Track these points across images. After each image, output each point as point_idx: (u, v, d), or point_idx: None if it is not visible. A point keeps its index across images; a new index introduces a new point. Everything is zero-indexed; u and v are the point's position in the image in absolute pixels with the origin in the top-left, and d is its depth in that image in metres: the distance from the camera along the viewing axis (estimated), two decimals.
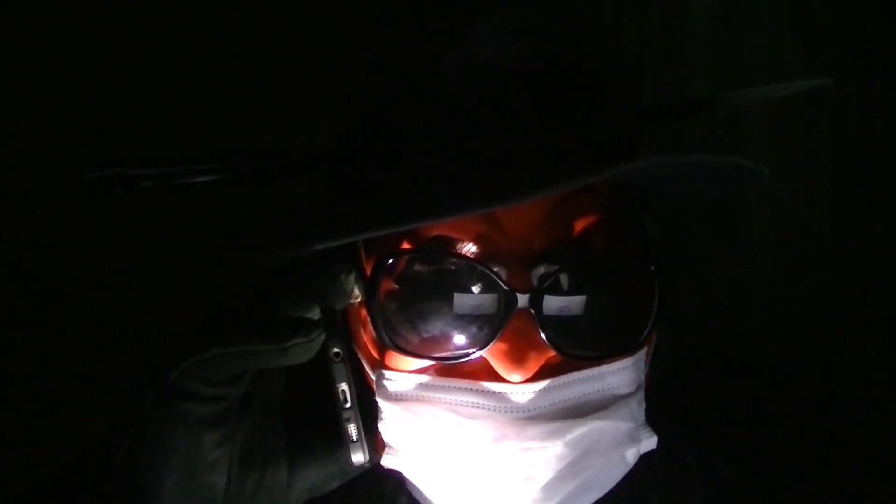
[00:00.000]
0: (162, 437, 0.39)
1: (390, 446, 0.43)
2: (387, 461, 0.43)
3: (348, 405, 0.42)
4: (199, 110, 0.91)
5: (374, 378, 0.43)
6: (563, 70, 0.42)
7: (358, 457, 0.42)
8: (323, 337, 0.40)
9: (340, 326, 0.42)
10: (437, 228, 0.40)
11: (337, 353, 0.41)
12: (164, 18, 0.93)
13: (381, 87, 0.43)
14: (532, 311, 0.39)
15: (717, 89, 0.52)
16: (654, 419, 0.44)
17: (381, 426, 0.43)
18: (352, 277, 0.41)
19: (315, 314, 0.41)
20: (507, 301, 0.39)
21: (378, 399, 0.43)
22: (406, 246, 0.41)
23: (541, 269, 0.39)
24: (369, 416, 0.43)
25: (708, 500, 0.48)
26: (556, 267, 0.39)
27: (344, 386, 0.41)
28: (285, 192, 0.47)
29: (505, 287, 0.39)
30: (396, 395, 0.42)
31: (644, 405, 0.43)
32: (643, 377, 0.43)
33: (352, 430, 0.42)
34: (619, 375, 0.41)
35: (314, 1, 0.95)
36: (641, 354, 0.42)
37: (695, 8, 0.99)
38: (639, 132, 0.46)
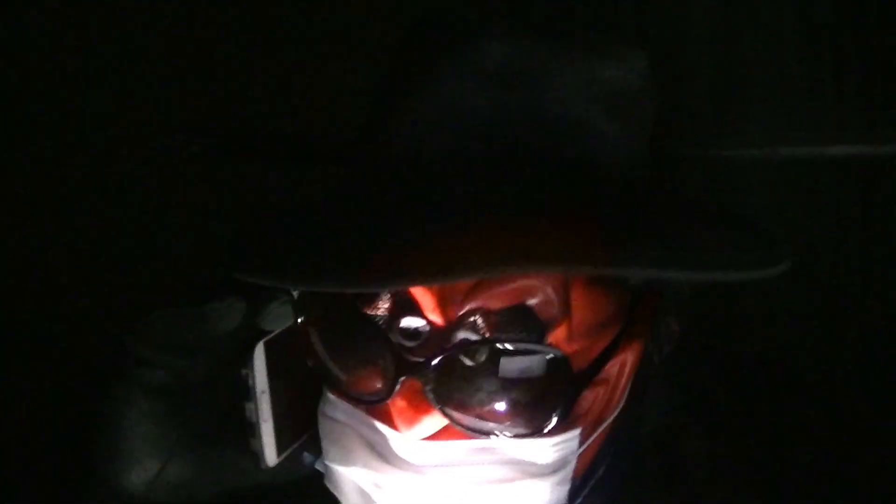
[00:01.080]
0: (114, 398, 0.42)
1: (321, 456, 0.44)
2: (318, 465, 0.45)
3: (252, 421, 0.43)
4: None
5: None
6: (529, 127, 0.39)
7: (260, 464, 0.44)
8: (242, 304, 0.42)
9: (253, 351, 0.43)
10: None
11: (245, 374, 0.43)
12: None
13: (368, 114, 0.43)
14: (421, 381, 0.38)
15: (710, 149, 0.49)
16: (624, 497, 0.45)
17: (320, 436, 0.44)
18: (288, 306, 0.43)
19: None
20: (398, 367, 0.38)
21: (318, 412, 0.44)
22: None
23: (451, 338, 0.39)
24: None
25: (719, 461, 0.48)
26: (464, 341, 0.38)
27: (250, 404, 0.43)
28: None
29: (399, 358, 0.39)
30: (329, 415, 0.44)
31: (567, 486, 0.42)
32: (573, 458, 0.42)
33: (253, 443, 0.43)
34: (530, 453, 0.40)
35: None
36: (571, 436, 0.41)
37: (695, 8, 0.99)
38: (629, 210, 0.40)
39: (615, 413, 0.44)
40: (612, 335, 0.43)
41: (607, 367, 0.43)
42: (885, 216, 0.98)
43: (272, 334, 0.43)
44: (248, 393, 0.43)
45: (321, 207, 0.42)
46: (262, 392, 0.43)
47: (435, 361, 0.38)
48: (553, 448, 0.40)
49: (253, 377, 0.43)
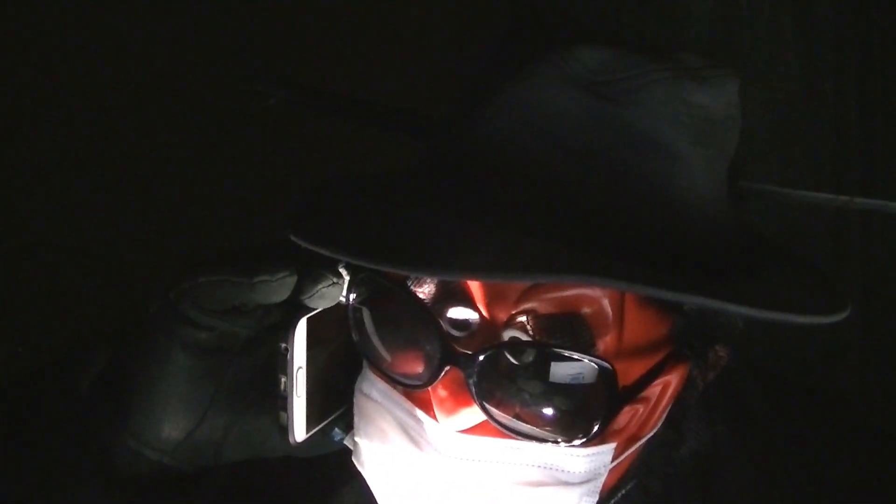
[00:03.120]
0: (155, 351, 0.41)
1: (351, 433, 0.45)
2: (347, 441, 0.46)
3: (284, 395, 0.43)
4: None
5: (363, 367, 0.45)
6: (614, 143, 0.39)
7: (291, 438, 0.44)
8: (293, 279, 0.41)
9: (295, 326, 0.43)
10: None
11: (284, 347, 0.43)
12: None
13: (459, 101, 0.44)
14: (463, 373, 0.38)
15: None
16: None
17: (352, 411, 0.45)
18: (337, 287, 0.42)
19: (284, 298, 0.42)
20: (444, 356, 0.39)
21: (355, 388, 0.45)
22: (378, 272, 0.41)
23: (500, 336, 0.39)
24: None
25: (742, 464, 0.48)
26: (512, 340, 0.39)
27: (283, 378, 0.43)
28: None
29: (446, 346, 0.39)
30: (366, 393, 0.44)
31: (594, 498, 0.42)
32: (604, 471, 0.41)
33: (282, 416, 0.43)
34: (563, 460, 0.40)
35: None
36: (605, 449, 0.41)
37: (695, 8, 0.99)
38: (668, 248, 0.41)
39: (651, 433, 0.44)
40: (659, 356, 0.42)
41: (650, 386, 0.42)
42: (885, 216, 0.98)
43: (315, 311, 0.43)
44: (285, 367, 0.43)
45: (396, 183, 0.43)
46: (299, 368, 0.43)
47: (482, 356, 0.38)
48: (586, 459, 0.40)
49: (291, 352, 0.42)
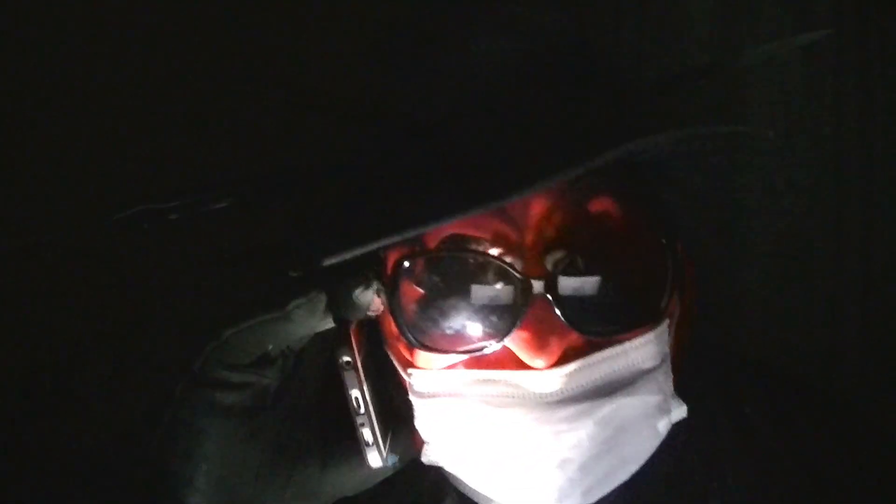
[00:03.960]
0: (194, 424, 0.40)
1: (427, 442, 0.44)
2: (426, 457, 0.44)
3: (361, 411, 0.42)
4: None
5: (406, 378, 0.44)
6: (557, 63, 0.43)
7: (374, 460, 0.43)
8: (323, 298, 0.41)
9: (350, 337, 0.42)
10: (449, 228, 0.41)
11: (347, 361, 0.42)
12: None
13: (386, 95, 0.45)
14: (548, 296, 0.39)
15: (716, 60, 0.52)
16: (688, 384, 0.45)
17: (417, 423, 0.44)
18: (370, 290, 0.42)
19: (329, 324, 0.42)
20: (523, 289, 0.39)
21: (411, 397, 0.44)
22: (421, 246, 0.42)
23: (555, 255, 0.40)
24: (399, 415, 0.44)
25: (745, 466, 0.49)
26: (568, 251, 0.40)
27: (356, 393, 0.42)
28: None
29: (519, 276, 0.40)
30: (428, 392, 0.43)
31: (671, 376, 0.44)
32: (667, 349, 0.44)
33: (367, 434, 0.42)
34: (642, 350, 0.42)
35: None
36: (664, 328, 0.43)
37: (695, 8, 0.99)
38: (640, 111, 0.47)
39: (678, 311, 0.46)
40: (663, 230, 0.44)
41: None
42: (885, 216, 0.98)
43: (353, 324, 0.42)
44: (354, 381, 0.42)
45: (383, 175, 0.44)
46: (363, 381, 0.42)
47: (554, 271, 0.39)
48: (655, 341, 0.42)
49: (356, 363, 0.41)
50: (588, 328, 0.40)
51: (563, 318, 0.40)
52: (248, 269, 0.45)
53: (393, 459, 0.45)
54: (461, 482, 0.46)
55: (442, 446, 0.44)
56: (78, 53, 0.91)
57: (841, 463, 0.50)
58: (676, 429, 0.45)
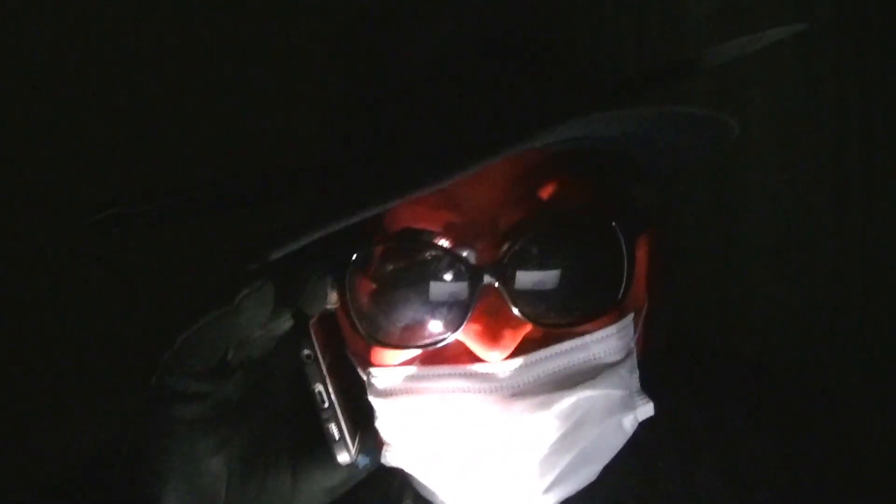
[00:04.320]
0: (159, 441, 0.39)
1: (387, 443, 0.43)
2: (385, 458, 0.43)
3: (326, 405, 0.41)
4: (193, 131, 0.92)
5: (365, 377, 0.43)
6: (509, 42, 0.42)
7: (343, 456, 0.42)
8: (271, 285, 0.39)
9: (310, 330, 0.41)
10: (403, 220, 0.41)
11: (308, 354, 0.41)
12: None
13: (343, 91, 0.44)
14: (498, 286, 0.39)
15: (702, 52, 0.51)
16: (658, 383, 0.45)
17: (377, 423, 0.43)
18: (324, 281, 0.41)
19: (287, 321, 0.41)
20: (472, 281, 0.39)
21: (370, 397, 0.43)
22: (380, 238, 0.41)
23: (506, 245, 0.39)
24: (368, 416, 0.43)
25: (719, 463, 0.48)
26: (521, 240, 0.39)
27: (319, 387, 0.41)
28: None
29: (467, 268, 0.39)
30: (386, 390, 0.42)
31: (637, 372, 0.43)
32: (633, 344, 0.43)
33: (333, 429, 0.42)
34: (603, 344, 0.41)
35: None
36: (627, 321, 0.43)
37: (695, 8, 0.99)
38: (606, 97, 0.45)
39: (646, 304, 0.46)
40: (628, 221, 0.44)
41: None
42: (885, 216, 0.98)
43: (312, 318, 0.41)
44: (316, 375, 0.41)
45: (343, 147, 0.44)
46: (326, 375, 0.41)
47: (505, 258, 0.39)
48: (619, 335, 0.42)
49: (317, 356, 0.40)
50: (541, 319, 0.40)
51: (514, 310, 0.39)
52: (202, 272, 0.45)
53: (365, 461, 0.44)
54: (420, 484, 0.45)
55: (401, 447, 0.43)
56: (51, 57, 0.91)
57: (822, 462, 0.49)
58: (645, 428, 0.44)
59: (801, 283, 0.99)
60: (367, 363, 0.43)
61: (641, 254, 0.45)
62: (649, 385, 0.44)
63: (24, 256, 0.92)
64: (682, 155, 0.46)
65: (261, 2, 0.95)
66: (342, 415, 0.42)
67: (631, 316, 0.43)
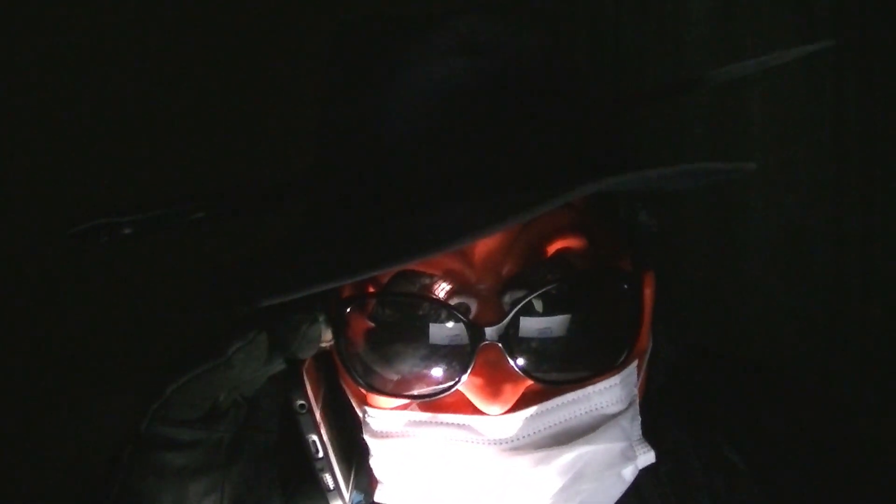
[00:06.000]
0: (147, 490, 0.39)
1: (381, 482, 0.42)
2: (379, 496, 0.42)
3: (320, 455, 0.41)
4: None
5: (360, 416, 0.42)
6: (506, 85, 0.40)
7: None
8: (264, 336, 0.39)
9: (303, 378, 0.41)
10: (411, 267, 0.39)
11: (302, 405, 0.40)
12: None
13: (331, 125, 0.42)
14: (499, 343, 0.37)
15: (705, 71, 0.50)
16: (658, 424, 0.44)
17: (371, 462, 0.42)
18: (317, 325, 0.40)
19: (280, 364, 0.41)
20: (472, 335, 0.38)
21: (365, 436, 0.42)
22: (370, 288, 0.40)
23: (509, 298, 0.38)
24: (362, 453, 0.43)
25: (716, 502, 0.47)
26: (524, 293, 0.38)
27: (313, 437, 0.40)
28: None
29: (469, 321, 0.38)
30: (382, 432, 0.41)
31: (638, 419, 0.42)
32: (635, 391, 0.42)
33: (328, 479, 0.41)
34: (606, 395, 0.40)
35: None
36: (631, 370, 0.41)
37: (695, 8, 0.99)
38: (614, 134, 0.44)
39: (650, 346, 0.44)
40: (630, 268, 0.43)
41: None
42: (885, 216, 0.98)
43: (305, 363, 0.40)
44: (310, 425, 0.40)
45: (318, 220, 0.42)
46: (321, 423, 0.41)
47: (507, 318, 0.37)
48: (621, 384, 0.40)
49: (311, 406, 0.39)
50: (542, 376, 0.38)
51: (515, 367, 0.38)
52: (191, 319, 0.44)
53: (357, 498, 0.43)
54: None
55: (395, 486, 0.42)
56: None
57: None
58: (645, 470, 0.43)
59: (801, 283, 0.99)
60: (363, 401, 0.42)
61: (648, 292, 0.44)
62: (649, 425, 0.43)
63: (27, 256, 0.92)
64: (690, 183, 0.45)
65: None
66: (337, 463, 0.41)
67: (635, 364, 0.42)
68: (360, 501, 0.43)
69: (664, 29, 0.99)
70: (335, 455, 0.41)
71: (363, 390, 0.40)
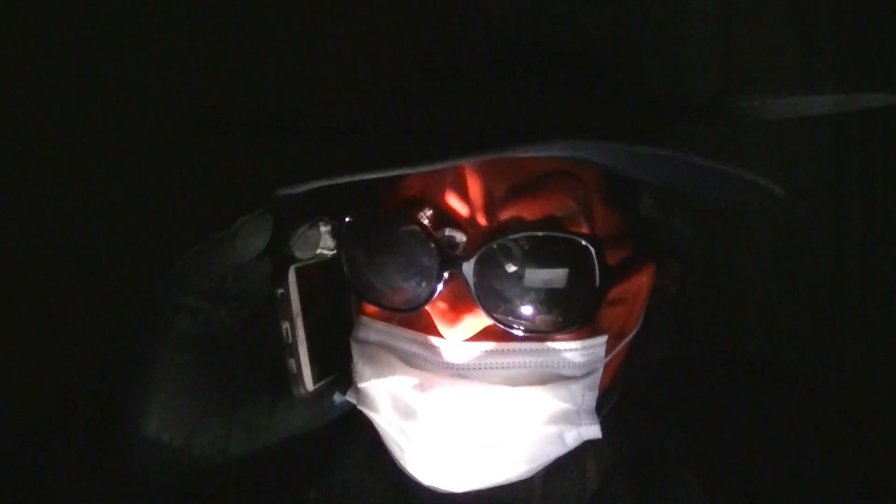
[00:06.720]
0: (148, 354, 0.42)
1: (354, 384, 0.47)
2: (349, 396, 0.47)
3: (289, 341, 0.44)
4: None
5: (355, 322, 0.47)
6: (555, 49, 0.43)
7: (297, 390, 0.45)
8: (270, 217, 0.43)
9: (287, 272, 0.44)
10: (411, 188, 0.43)
11: (281, 293, 0.43)
12: None
13: (399, 52, 0.47)
14: (464, 273, 0.41)
15: (721, 94, 0.51)
16: (638, 422, 0.46)
17: (352, 366, 0.46)
18: (316, 230, 0.44)
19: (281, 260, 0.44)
20: (445, 262, 0.41)
21: (351, 340, 0.46)
22: (382, 202, 0.45)
23: (490, 240, 0.41)
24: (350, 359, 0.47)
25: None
26: (502, 240, 0.41)
27: (286, 324, 0.44)
28: None
29: (444, 249, 0.41)
30: (362, 338, 0.46)
31: (595, 392, 0.44)
32: (599, 365, 0.44)
33: (291, 364, 0.44)
34: (563, 355, 0.42)
35: None
36: (597, 342, 0.44)
37: (695, 8, 0.99)
38: (632, 121, 0.46)
39: (633, 332, 0.47)
40: (627, 254, 0.45)
41: (625, 285, 0.46)
42: (885, 216, 0.98)
43: (301, 262, 0.44)
44: (284, 313, 0.43)
45: (368, 123, 0.47)
46: (297, 315, 0.44)
47: (478, 255, 0.40)
48: (583, 352, 0.43)
49: (288, 296, 0.43)
50: (501, 318, 0.41)
51: (476, 301, 0.41)
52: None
53: (340, 399, 0.47)
54: (374, 428, 0.47)
55: (360, 391, 0.46)
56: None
57: (806, 447, 0.50)
58: (606, 464, 0.45)
59: (802, 282, 0.99)
60: (359, 311, 0.47)
61: (643, 280, 0.46)
62: (625, 412, 0.46)
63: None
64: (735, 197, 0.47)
65: None
66: (305, 352, 0.44)
67: (604, 338, 0.44)
68: (342, 403, 0.47)
69: (664, 29, 0.99)
70: (309, 348, 0.44)
71: (354, 293, 0.46)
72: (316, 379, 0.45)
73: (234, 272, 0.43)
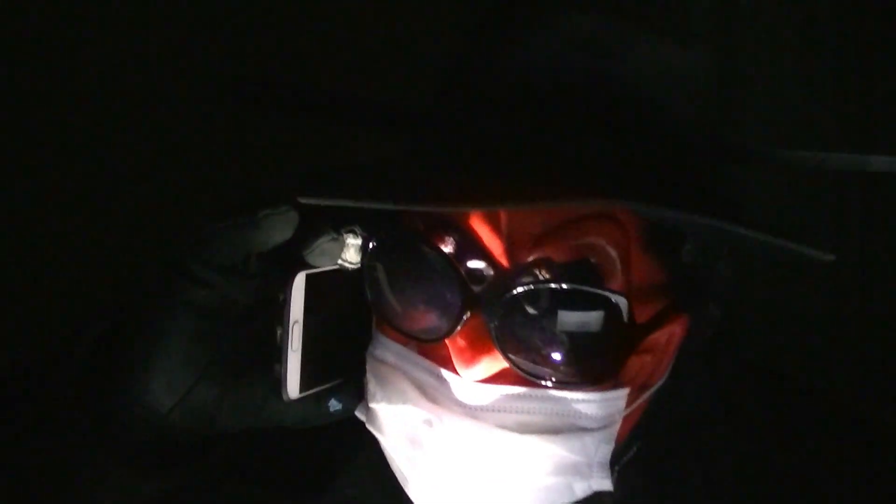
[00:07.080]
0: (154, 314, 0.41)
1: (365, 402, 0.45)
2: (358, 411, 0.46)
3: (279, 346, 0.43)
4: None
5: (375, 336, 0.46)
6: (604, 89, 0.42)
7: (282, 394, 0.44)
8: (295, 215, 0.42)
9: (292, 279, 0.43)
10: (442, 214, 0.42)
11: (282, 297, 0.43)
12: None
13: (450, 69, 0.46)
14: (484, 314, 0.39)
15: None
16: (656, 476, 0.45)
17: (365, 381, 0.45)
18: (337, 243, 0.43)
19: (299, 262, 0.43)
20: (468, 300, 0.40)
21: (367, 354, 0.45)
22: (412, 225, 0.43)
23: (517, 282, 0.39)
24: (358, 367, 0.47)
25: None
26: (531, 284, 0.39)
27: (279, 330, 0.43)
28: None
29: (468, 286, 0.40)
30: (378, 357, 0.45)
31: (611, 446, 0.43)
32: (618, 418, 0.43)
33: (276, 369, 0.43)
34: (581, 407, 0.41)
35: None
36: (618, 394, 0.42)
37: (695, 8, 0.99)
38: (675, 167, 0.44)
39: (659, 383, 0.45)
40: (662, 304, 0.44)
41: (656, 335, 0.44)
42: (885, 216, 0.98)
43: (315, 269, 0.44)
44: (280, 318, 0.43)
45: (404, 154, 0.46)
46: (295, 322, 0.43)
47: (503, 299, 0.39)
48: (602, 403, 0.41)
49: (288, 303, 0.42)
50: (519, 363, 0.40)
51: (495, 344, 0.40)
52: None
53: (336, 406, 0.46)
54: (378, 444, 0.47)
55: (370, 409, 0.45)
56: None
57: (830, 462, 0.49)
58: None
59: (801, 283, 0.99)
60: (379, 326, 0.46)
61: (677, 331, 0.44)
62: (644, 461, 0.44)
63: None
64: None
65: None
66: (296, 359, 0.43)
67: (626, 391, 0.43)
68: (338, 409, 0.46)
69: (663, 29, 0.99)
70: (303, 355, 0.44)
71: (373, 312, 0.45)
72: (305, 387, 0.44)
73: (256, 255, 0.42)
